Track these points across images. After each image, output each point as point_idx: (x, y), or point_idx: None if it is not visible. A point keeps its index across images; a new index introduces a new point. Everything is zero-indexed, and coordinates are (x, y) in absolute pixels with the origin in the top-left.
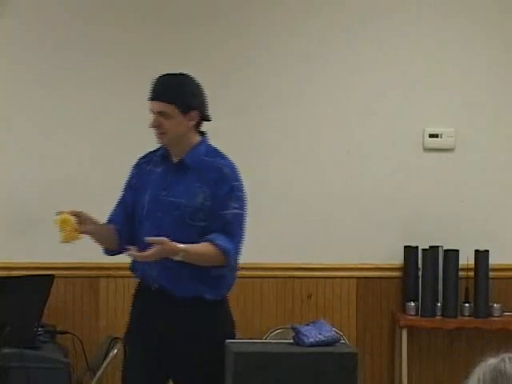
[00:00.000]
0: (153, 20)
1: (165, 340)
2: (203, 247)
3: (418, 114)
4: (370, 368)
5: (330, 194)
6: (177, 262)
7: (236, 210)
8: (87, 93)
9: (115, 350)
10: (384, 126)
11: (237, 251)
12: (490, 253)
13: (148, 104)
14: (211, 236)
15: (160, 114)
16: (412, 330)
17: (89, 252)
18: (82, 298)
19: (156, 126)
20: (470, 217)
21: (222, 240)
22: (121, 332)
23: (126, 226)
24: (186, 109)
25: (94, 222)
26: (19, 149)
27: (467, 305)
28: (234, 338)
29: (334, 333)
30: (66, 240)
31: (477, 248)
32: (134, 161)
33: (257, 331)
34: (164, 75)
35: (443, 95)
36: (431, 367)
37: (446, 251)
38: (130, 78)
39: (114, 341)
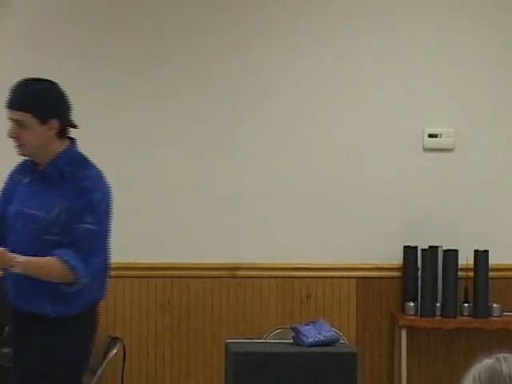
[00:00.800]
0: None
1: (17, 356)
2: (46, 261)
3: (417, 114)
4: (369, 368)
5: (329, 194)
6: (22, 275)
7: (89, 226)
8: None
9: (115, 350)
10: (383, 126)
11: (86, 269)
12: (489, 253)
13: None
14: (59, 251)
15: (17, 123)
16: (411, 330)
17: None
18: None
19: (13, 136)
20: (469, 217)
21: (69, 256)
22: (120, 331)
23: None
24: (44, 118)
25: None
26: None
27: (466, 305)
28: (76, 366)
29: (334, 333)
30: None
31: (476, 248)
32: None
33: (256, 331)
34: (21, 81)
35: (443, 95)
36: (431, 367)
37: (446, 251)
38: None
39: (113, 340)
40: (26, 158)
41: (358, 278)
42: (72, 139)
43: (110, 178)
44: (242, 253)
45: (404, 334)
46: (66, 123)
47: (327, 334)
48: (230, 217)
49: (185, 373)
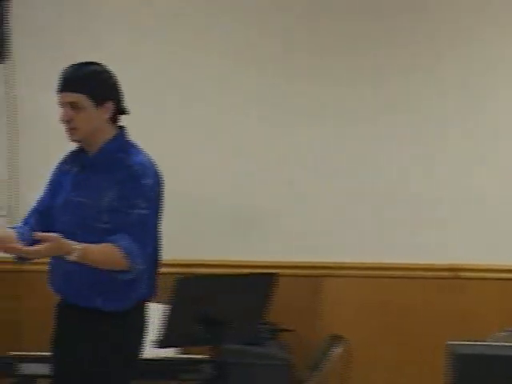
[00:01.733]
0: None
1: (63, 349)
2: (103, 248)
3: None
4: None
5: None
6: (74, 266)
7: (143, 211)
8: None
9: (337, 349)
10: None
11: (142, 254)
12: None
13: None
14: (114, 237)
15: (70, 105)
16: None
17: (313, 251)
18: (305, 297)
19: (66, 120)
20: None
21: (125, 241)
22: (342, 331)
23: (39, 228)
24: (100, 100)
25: None
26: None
27: None
28: (129, 362)
29: None
30: None
31: None
32: None
33: (476, 333)
34: (73, 64)
35: None
36: None
37: None
38: None
39: (335, 339)
40: (74, 147)
41: None
42: (121, 127)
43: None
44: (463, 253)
45: None
46: (120, 107)
47: None
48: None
49: (404, 373)
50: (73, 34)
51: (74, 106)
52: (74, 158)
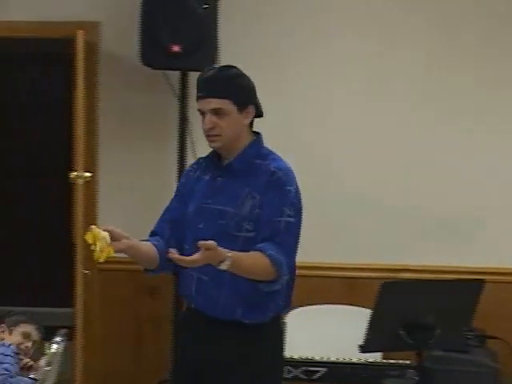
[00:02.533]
0: None
1: (205, 368)
2: (252, 256)
3: None
4: None
5: None
6: (213, 278)
7: (290, 219)
8: None
9: None
10: None
11: (287, 264)
12: None
13: None
14: (261, 245)
15: (216, 111)
16: None
17: None
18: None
19: (212, 127)
20: None
21: (273, 250)
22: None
23: (173, 238)
24: (243, 104)
25: (127, 239)
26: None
27: None
28: (276, 373)
29: None
30: (99, 258)
31: None
32: None
33: None
34: (211, 69)
35: None
36: None
37: None
38: None
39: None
40: (204, 155)
41: None
42: (257, 133)
43: None
44: None
45: None
46: (258, 111)
47: None
48: None
49: None
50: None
51: (217, 111)
52: (205, 164)
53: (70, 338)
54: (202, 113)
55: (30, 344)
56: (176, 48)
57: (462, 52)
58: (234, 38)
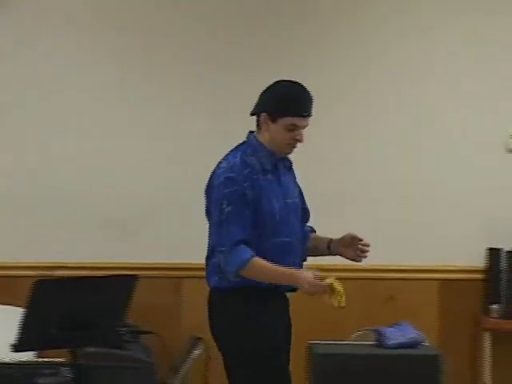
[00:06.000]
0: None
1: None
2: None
3: (500, 115)
4: (452, 371)
5: (412, 196)
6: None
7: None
8: None
9: (198, 351)
10: (466, 127)
11: None
12: None
13: None
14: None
15: (304, 128)
16: (495, 333)
17: (172, 252)
18: (165, 298)
19: (302, 141)
20: None
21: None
22: (203, 332)
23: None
24: None
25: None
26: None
27: None
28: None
29: (417, 335)
30: (341, 305)
31: None
32: None
33: (339, 333)
34: (303, 87)
35: None
36: None
37: None
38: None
39: (196, 341)
40: (234, 162)
41: (441, 280)
42: None
43: None
44: None
45: (488, 336)
46: None
47: (411, 335)
48: None
49: None
50: None
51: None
52: (256, 168)
53: None
54: (294, 127)
55: None
56: None
57: None
58: None
